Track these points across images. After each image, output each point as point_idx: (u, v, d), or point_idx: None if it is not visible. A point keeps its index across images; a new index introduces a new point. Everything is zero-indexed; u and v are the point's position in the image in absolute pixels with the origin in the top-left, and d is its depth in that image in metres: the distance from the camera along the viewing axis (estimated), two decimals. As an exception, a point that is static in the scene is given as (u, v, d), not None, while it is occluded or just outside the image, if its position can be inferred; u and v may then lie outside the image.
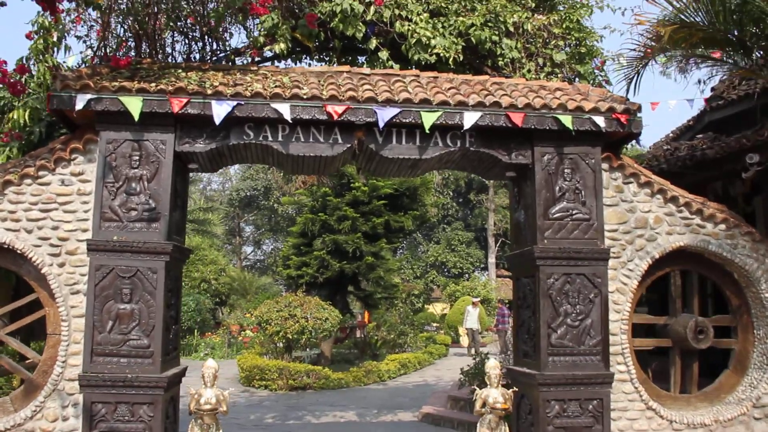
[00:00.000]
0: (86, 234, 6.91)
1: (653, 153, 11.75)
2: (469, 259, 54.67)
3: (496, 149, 7.57)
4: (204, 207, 29.78)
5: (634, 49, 9.28)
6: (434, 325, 32.50)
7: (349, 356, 22.51)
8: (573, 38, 9.28)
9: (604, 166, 7.76)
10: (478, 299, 26.43)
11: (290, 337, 16.68)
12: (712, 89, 11.57)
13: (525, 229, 7.95)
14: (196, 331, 27.39)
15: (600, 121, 7.43)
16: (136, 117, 6.72)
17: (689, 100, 9.89)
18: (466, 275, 52.80)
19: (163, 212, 6.89)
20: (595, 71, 9.46)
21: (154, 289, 6.77)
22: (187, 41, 8.60)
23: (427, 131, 7.20)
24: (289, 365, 16.29)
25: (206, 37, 8.60)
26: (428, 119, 7.12)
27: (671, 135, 13.18)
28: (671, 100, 10.19)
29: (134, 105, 6.71)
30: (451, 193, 50.82)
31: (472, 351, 22.05)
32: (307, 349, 19.06)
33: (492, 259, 54.98)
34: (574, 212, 7.52)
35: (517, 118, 7.28)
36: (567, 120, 7.34)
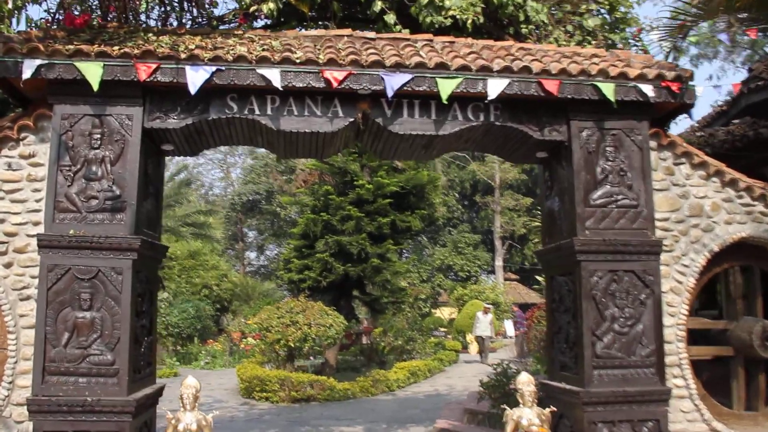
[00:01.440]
0: (38, 228, 5.77)
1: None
2: (477, 262, 53.53)
3: (525, 124, 6.39)
4: (203, 210, 28.71)
5: (672, 17, 8.16)
6: (442, 330, 31.30)
7: (355, 364, 21.40)
8: (606, 3, 8.11)
9: (652, 144, 6.59)
10: (490, 305, 25.58)
11: (292, 345, 15.54)
12: (750, 70, 10.41)
13: (560, 218, 6.76)
14: (196, 338, 26.34)
15: (647, 89, 6.27)
16: (96, 86, 5.58)
17: (716, 86, 8.70)
18: (474, 278, 51.68)
19: (130, 200, 5.75)
20: (631, 40, 8.29)
21: (119, 293, 5.62)
22: (163, 7, 7.41)
23: (445, 101, 6.02)
24: (292, 375, 15.15)
25: (185, 2, 7.44)
26: (446, 87, 5.96)
27: (701, 121, 12.07)
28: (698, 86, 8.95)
29: (93, 72, 5.57)
30: (457, 195, 49.53)
31: (484, 359, 21.48)
32: (311, 358, 17.93)
33: (499, 263, 53.90)
34: (619, 197, 6.36)
35: (552, 86, 6.11)
36: (609, 89, 6.17)
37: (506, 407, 6.30)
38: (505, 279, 52.94)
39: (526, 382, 6.17)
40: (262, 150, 56.55)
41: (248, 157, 59.58)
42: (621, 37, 8.01)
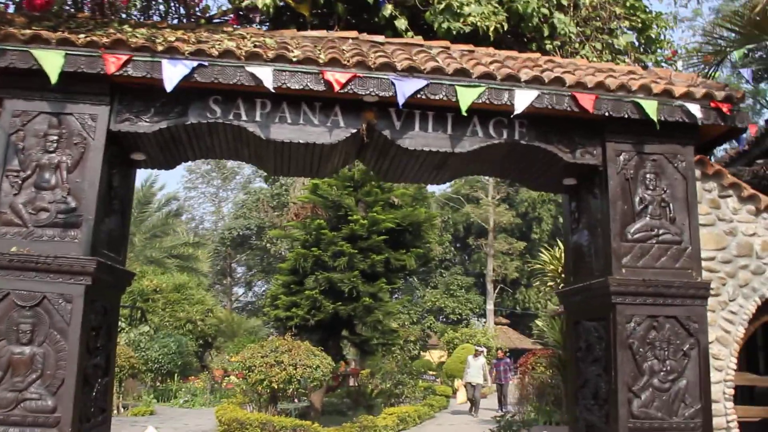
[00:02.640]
0: (-24, 244, 4.87)
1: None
2: (469, 305, 52.58)
3: (555, 144, 5.54)
4: (191, 242, 27.74)
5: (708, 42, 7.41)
6: (431, 373, 30.14)
7: (342, 407, 20.31)
8: (638, 21, 7.33)
9: (696, 173, 5.74)
10: (482, 348, 23.47)
11: (276, 386, 14.47)
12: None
13: (590, 255, 5.86)
14: (176, 375, 25.18)
15: (695, 109, 5.44)
16: (54, 78, 4.70)
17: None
18: (465, 321, 50.68)
19: (87, 215, 4.84)
20: (664, 63, 7.49)
21: (66, 325, 4.67)
22: (145, 2, 6.53)
23: (464, 113, 5.17)
24: (274, 419, 14.05)
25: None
26: (466, 97, 5.12)
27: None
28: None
29: (52, 62, 4.71)
30: (450, 237, 48.68)
31: (473, 411, 19.96)
32: (295, 400, 16.84)
33: (490, 306, 52.99)
34: (660, 232, 5.50)
35: (587, 102, 5.27)
36: (651, 107, 5.34)
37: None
38: (496, 323, 51.98)
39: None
40: (255, 185, 56.33)
41: (240, 192, 58.90)
42: (654, 58, 7.21)
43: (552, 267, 16.09)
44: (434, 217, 18.74)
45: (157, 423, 17.53)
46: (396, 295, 31.46)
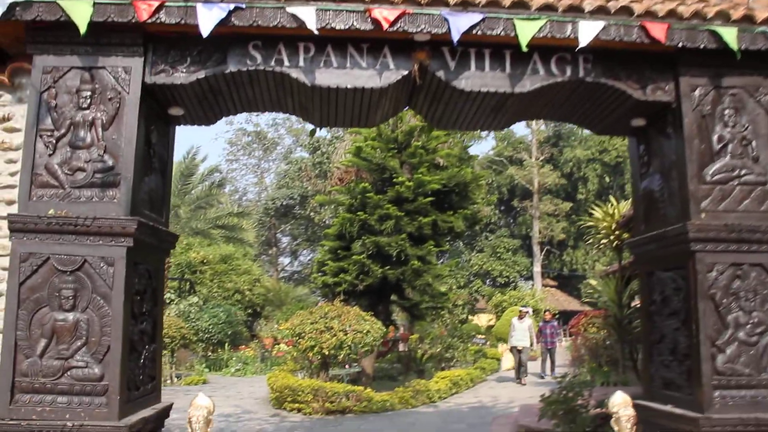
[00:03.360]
0: (12, 208, 4.63)
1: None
2: (516, 267, 52.09)
3: (623, 80, 5.06)
4: (235, 212, 27.73)
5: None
6: (480, 337, 29.80)
7: (392, 372, 20.16)
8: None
9: (779, 107, 5.23)
10: (527, 309, 22.25)
11: (326, 352, 14.33)
12: None
13: (663, 200, 5.40)
14: (227, 344, 25.34)
15: (780, 35, 4.93)
16: (83, 29, 4.41)
17: None
18: (513, 284, 50.24)
19: (125, 173, 4.56)
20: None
21: (109, 289, 4.42)
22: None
23: (524, 49, 4.74)
24: (326, 385, 13.93)
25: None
26: (525, 31, 4.68)
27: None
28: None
29: (81, 12, 4.41)
30: (495, 200, 48.00)
31: (521, 378, 18.93)
32: (346, 366, 16.68)
33: (537, 268, 52.43)
34: (742, 172, 5.02)
35: (659, 31, 4.79)
36: (731, 35, 4.83)
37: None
38: (544, 285, 51.46)
39: (622, 404, 4.86)
40: (297, 155, 56.23)
41: (282, 162, 58.90)
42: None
43: (605, 224, 15.58)
44: (481, 177, 18.28)
45: (210, 392, 17.58)
46: (442, 260, 31.14)
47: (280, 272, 55.63)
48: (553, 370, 20.79)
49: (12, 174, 4.73)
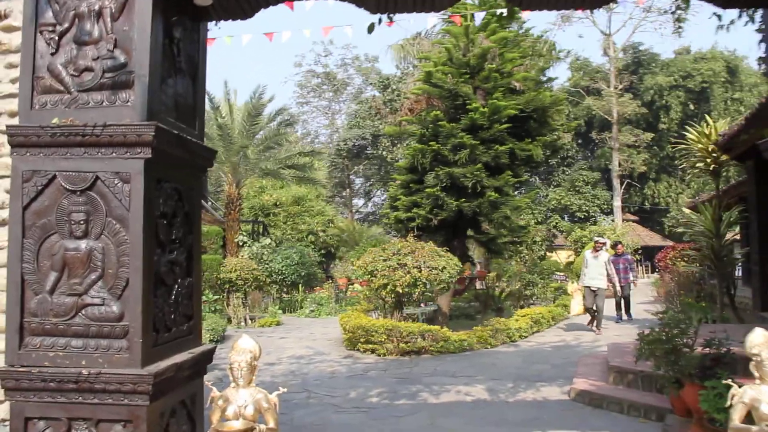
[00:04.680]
0: (15, 120, 3.93)
1: None
2: (596, 201, 50.38)
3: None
4: (306, 152, 27.14)
5: None
6: (560, 274, 28.70)
7: (469, 311, 19.51)
8: None
9: None
10: (604, 240, 18.11)
11: (400, 291, 13.67)
12: None
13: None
14: (301, 286, 25.11)
15: None
16: None
17: None
18: (593, 219, 48.61)
19: (139, 71, 3.73)
20: None
21: (126, 211, 3.66)
22: None
23: None
24: (400, 325, 13.31)
25: None
26: None
27: None
28: None
29: None
30: (576, 126, 46.23)
31: (595, 326, 16.22)
32: (421, 305, 16.03)
33: (617, 203, 50.63)
34: None
35: None
36: None
37: (731, 383, 4.06)
38: (624, 220, 49.69)
39: (764, 344, 3.92)
40: (368, 94, 55.22)
41: (353, 102, 58.15)
42: None
43: (701, 146, 14.26)
44: (561, 101, 16.95)
45: (283, 333, 17.26)
46: (519, 194, 30.11)
47: (354, 214, 55.46)
48: (628, 311, 18.71)
49: (13, 81, 4.05)
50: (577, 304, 19.94)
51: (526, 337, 15.62)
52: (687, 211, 15.57)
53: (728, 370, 6.96)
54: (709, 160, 13.96)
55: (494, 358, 12.76)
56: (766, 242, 12.65)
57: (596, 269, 15.95)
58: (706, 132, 14.06)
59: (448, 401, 9.24)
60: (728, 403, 4.11)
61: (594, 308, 16.01)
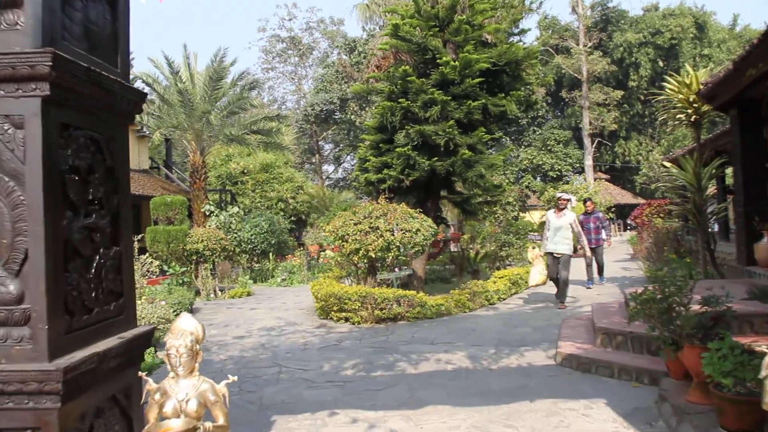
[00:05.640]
0: None
1: None
2: (568, 160, 50.09)
3: None
4: (271, 116, 26.16)
5: None
6: (534, 234, 28.24)
7: (445, 274, 18.97)
8: None
9: None
10: (569, 197, 14.17)
11: (373, 255, 13.03)
12: None
13: None
14: (271, 254, 24.39)
15: None
16: None
17: None
18: (565, 178, 48.37)
19: (30, -16, 2.95)
20: None
21: (20, 163, 2.90)
22: None
23: None
24: (374, 291, 12.68)
25: None
26: None
27: None
28: None
29: None
30: (551, 80, 45.77)
31: (562, 297, 13.68)
32: (395, 270, 15.43)
33: (588, 161, 50.39)
34: None
35: None
36: None
37: (765, 349, 3.45)
38: (595, 179, 49.52)
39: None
40: (334, 57, 53.96)
41: (319, 66, 56.95)
42: None
43: (681, 96, 13.66)
44: (535, 53, 16.21)
45: (254, 303, 16.58)
46: (491, 153, 29.61)
47: (324, 180, 54.68)
48: (601, 274, 17.09)
49: None
50: (538, 273, 16.89)
51: (504, 299, 15.13)
52: (668, 164, 15.01)
53: (728, 329, 6.43)
54: (690, 111, 13.37)
55: (473, 323, 12.21)
56: (751, 195, 12.20)
57: (560, 232, 13.47)
58: (687, 82, 13.44)
59: (428, 371, 8.66)
60: (763, 373, 3.51)
61: (557, 277, 13.58)
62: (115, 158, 3.49)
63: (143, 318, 10.24)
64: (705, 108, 13.24)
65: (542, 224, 25.92)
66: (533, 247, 19.06)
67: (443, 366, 8.89)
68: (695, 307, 6.84)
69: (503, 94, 15.72)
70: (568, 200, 13.90)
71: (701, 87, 12.83)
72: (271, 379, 8.55)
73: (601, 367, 8.13)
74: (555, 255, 13.49)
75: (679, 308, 6.70)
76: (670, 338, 6.70)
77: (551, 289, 15.12)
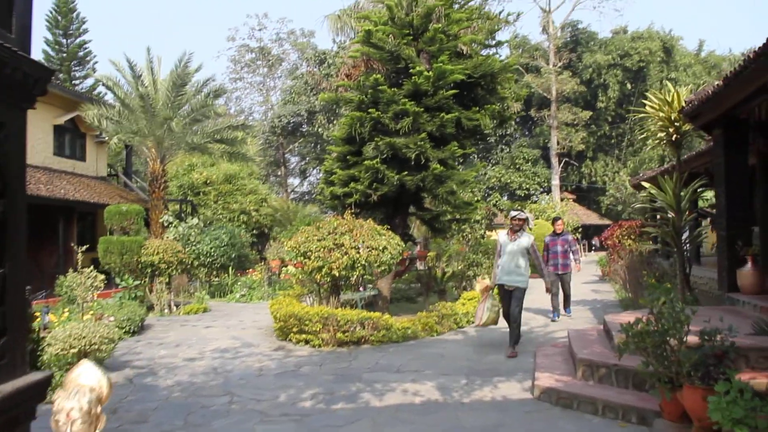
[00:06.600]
0: None
1: None
2: (536, 179, 49.87)
3: None
4: (235, 124, 25.22)
5: None
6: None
7: (410, 293, 18.27)
8: None
9: None
10: (525, 215, 11.17)
11: (337, 274, 12.22)
12: None
13: None
14: (231, 268, 23.45)
15: None
16: None
17: None
18: (535, 197, 48.13)
19: None
20: None
21: None
22: None
23: None
24: (337, 312, 11.88)
25: None
26: None
27: None
28: None
29: None
30: (525, 95, 45.69)
31: (513, 340, 10.84)
32: (360, 289, 14.64)
33: (556, 181, 50.37)
34: None
35: None
36: None
37: None
38: (562, 198, 49.41)
39: None
40: (303, 69, 53.22)
41: (288, 78, 56.21)
42: None
43: (662, 114, 13.16)
44: (511, 66, 15.62)
45: (210, 321, 15.69)
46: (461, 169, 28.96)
47: (290, 194, 53.85)
48: (567, 305, 14.97)
49: None
50: (486, 310, 11.36)
51: (473, 322, 14.39)
52: (646, 185, 14.47)
53: (735, 367, 5.79)
54: (671, 130, 12.87)
55: (442, 348, 11.47)
56: (734, 218, 11.69)
57: (514, 260, 10.77)
58: (668, 99, 12.95)
59: (394, 404, 7.88)
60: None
61: (509, 316, 10.87)
62: (1, 151, 2.66)
63: (82, 338, 9.31)
64: (686, 127, 12.76)
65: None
66: (482, 278, 16.97)
67: (411, 398, 8.13)
68: (691, 339, 6.20)
69: (477, 108, 15.07)
70: (525, 220, 11.05)
71: (684, 105, 12.35)
72: (220, 410, 7.72)
73: (583, 402, 7.43)
74: (507, 287, 10.80)
75: (676, 343, 6.04)
76: (665, 375, 6.02)
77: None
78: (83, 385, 2.50)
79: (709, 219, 14.41)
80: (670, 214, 12.97)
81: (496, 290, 11.27)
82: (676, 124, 12.79)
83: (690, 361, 5.71)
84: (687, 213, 13.12)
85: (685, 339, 6.09)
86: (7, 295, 2.66)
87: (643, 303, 6.57)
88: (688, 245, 14.15)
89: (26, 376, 2.78)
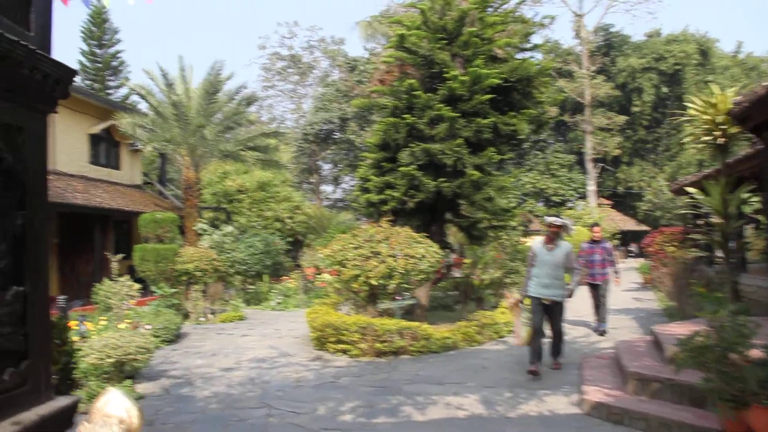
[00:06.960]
0: None
1: None
2: (572, 185, 49.18)
3: None
4: (268, 132, 25.20)
5: None
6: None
7: (447, 301, 17.93)
8: None
9: None
10: (562, 221, 9.93)
11: (374, 282, 11.99)
12: None
13: None
14: (266, 276, 23.35)
15: None
16: None
17: None
18: (571, 203, 47.46)
19: None
20: None
21: None
22: None
23: None
24: (375, 322, 11.64)
25: None
26: None
27: None
28: None
29: None
30: (562, 99, 44.78)
31: (558, 357, 10.33)
32: (397, 298, 14.39)
33: (591, 186, 49.53)
34: None
35: None
36: None
37: None
38: (598, 204, 48.65)
39: None
40: (334, 76, 53.27)
41: (320, 85, 56.24)
42: None
43: (707, 117, 12.75)
44: (548, 70, 15.28)
45: (246, 329, 15.54)
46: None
47: (322, 201, 53.78)
48: (603, 318, 13.39)
49: None
50: (522, 326, 10.22)
51: (513, 331, 14.04)
52: (692, 190, 14.03)
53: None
54: (717, 133, 12.45)
55: (483, 359, 11.16)
56: (788, 224, 11.24)
57: (551, 270, 9.75)
58: (713, 102, 12.54)
59: (437, 418, 7.62)
60: None
61: (543, 332, 9.92)
62: (20, 158, 2.47)
63: (119, 347, 9.21)
64: (733, 130, 12.33)
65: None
66: (509, 292, 15.49)
67: (454, 412, 7.85)
68: (754, 353, 5.85)
69: (513, 113, 14.76)
70: (562, 226, 9.90)
71: (732, 107, 11.92)
72: (258, 423, 7.52)
73: (635, 419, 7.09)
74: (543, 300, 9.82)
75: (739, 357, 5.70)
76: (728, 393, 5.68)
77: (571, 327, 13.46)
78: (111, 415, 2.31)
79: (756, 225, 13.91)
80: (717, 220, 12.55)
81: (527, 300, 10.18)
82: (721, 127, 12.37)
83: (757, 378, 5.37)
84: (735, 218, 12.69)
85: (746, 354, 5.76)
86: (28, 315, 2.46)
87: (696, 314, 6.24)
88: (735, 252, 13.71)
89: (51, 401, 2.57)
